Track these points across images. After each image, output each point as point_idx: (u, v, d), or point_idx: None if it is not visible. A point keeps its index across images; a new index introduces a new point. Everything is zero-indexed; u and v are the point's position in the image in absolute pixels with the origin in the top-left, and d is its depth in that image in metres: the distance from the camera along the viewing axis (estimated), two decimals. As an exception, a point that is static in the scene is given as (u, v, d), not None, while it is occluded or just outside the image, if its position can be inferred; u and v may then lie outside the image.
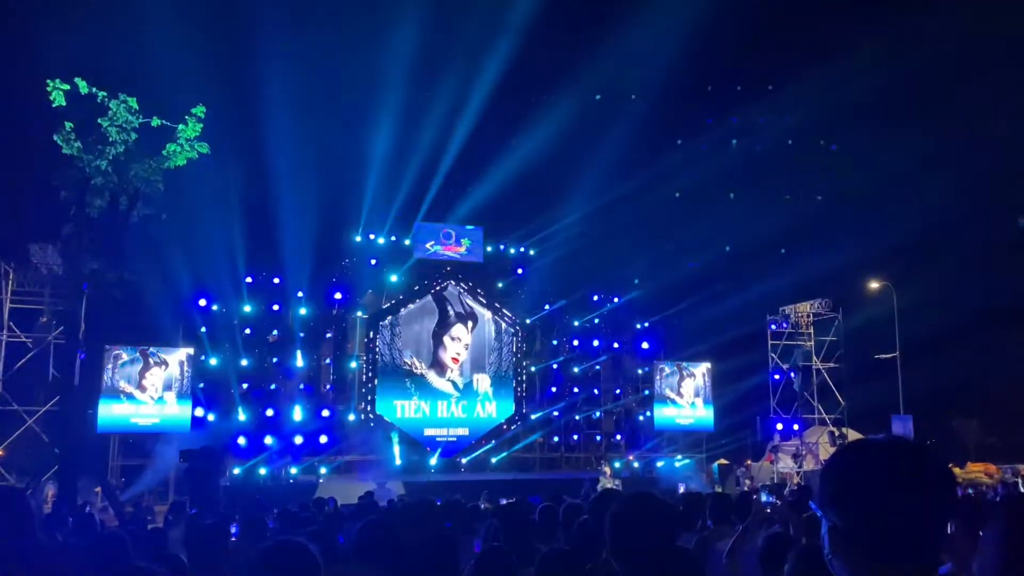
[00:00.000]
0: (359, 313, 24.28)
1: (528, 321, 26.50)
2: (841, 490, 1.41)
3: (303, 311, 23.04)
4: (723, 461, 25.52)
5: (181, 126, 10.97)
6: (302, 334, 23.10)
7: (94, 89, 10.71)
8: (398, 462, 22.63)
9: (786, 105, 32.10)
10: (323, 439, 21.86)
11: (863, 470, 1.40)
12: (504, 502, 10.26)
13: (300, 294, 23.02)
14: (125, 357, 19.82)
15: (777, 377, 26.40)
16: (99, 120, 11.00)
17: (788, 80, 30.60)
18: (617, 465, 23.23)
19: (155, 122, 11.03)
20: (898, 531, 1.35)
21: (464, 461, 24.06)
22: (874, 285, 27.31)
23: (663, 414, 26.24)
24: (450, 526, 5.62)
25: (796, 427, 25.52)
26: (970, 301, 31.58)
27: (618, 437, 26.93)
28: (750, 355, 28.12)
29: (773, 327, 26.52)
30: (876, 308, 27.17)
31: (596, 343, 27.10)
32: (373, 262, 24.47)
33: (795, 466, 24.43)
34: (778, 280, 28.78)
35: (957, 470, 26.22)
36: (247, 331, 22.40)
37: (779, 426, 25.51)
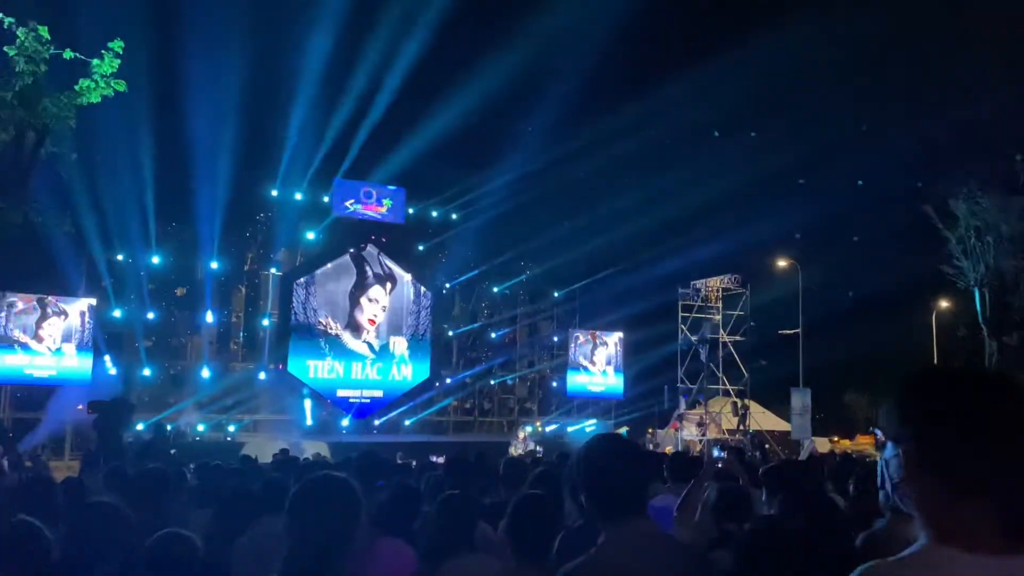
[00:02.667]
0: (273, 270, 23.85)
1: (448, 285, 26.59)
2: (919, 410, 1.44)
3: (214, 265, 22.46)
4: (624, 428, 26.34)
5: (96, 61, 10.43)
6: (212, 288, 22.52)
7: (0, 15, 10.07)
8: (309, 422, 22.49)
9: (704, 86, 32.88)
10: (232, 396, 21.44)
11: (944, 394, 1.43)
12: (434, 459, 10.47)
13: (212, 247, 22.37)
14: (21, 305, 18.88)
15: (686, 348, 27.31)
16: (5, 48, 10.36)
17: (704, 62, 31.35)
18: (529, 430, 23.66)
19: (67, 54, 10.46)
20: (974, 451, 1.36)
21: (377, 423, 24.08)
22: (781, 263, 28.52)
23: (576, 381, 26.83)
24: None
25: (701, 397, 26.53)
26: (869, 282, 33.48)
27: (531, 403, 27.42)
28: (661, 326, 29.02)
29: (684, 300, 27.37)
30: (782, 285, 28.45)
31: (514, 310, 27.40)
32: (289, 218, 23.96)
33: (699, 434, 25.44)
34: (691, 255, 29.69)
35: (846, 442, 27.97)
36: (154, 284, 21.67)
37: (685, 396, 26.47)
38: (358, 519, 2.49)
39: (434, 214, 26.66)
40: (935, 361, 28.27)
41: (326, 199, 24.34)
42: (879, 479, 2.53)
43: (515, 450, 18.99)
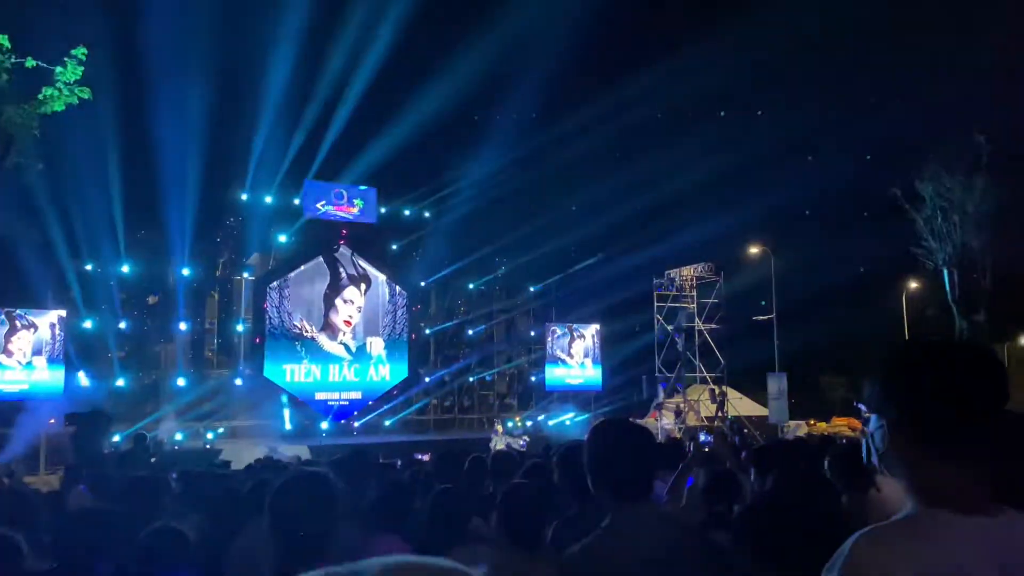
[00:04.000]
0: (245, 275, 23.67)
1: (423, 284, 26.56)
2: (901, 383, 1.50)
3: (186, 272, 22.25)
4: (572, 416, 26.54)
5: (59, 68, 10.30)
6: (185, 296, 22.32)
7: (-41, 25, 9.91)
8: (288, 426, 22.38)
9: (674, 73, 33.15)
10: (208, 404, 21.29)
11: (926, 365, 1.48)
12: (419, 457, 10.51)
13: (183, 254, 22.17)
14: (-12, 320, 18.56)
15: (662, 338, 27.57)
16: (-35, 59, 10.20)
17: (671, 51, 31.60)
18: (509, 425, 23.77)
19: (29, 63, 10.31)
20: (957, 418, 1.43)
21: (357, 424, 24.04)
22: (754, 250, 28.87)
23: (554, 375, 26.96)
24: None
25: (679, 386, 26.81)
26: (841, 267, 33.97)
27: (510, 398, 27.52)
28: (637, 317, 29.30)
29: (659, 290, 27.61)
30: (755, 272, 28.80)
31: (490, 306, 27.46)
32: (260, 221, 23.80)
33: (677, 422, 25.69)
34: (665, 245, 29.95)
35: (822, 424, 28.39)
36: (125, 293, 21.42)
37: (663, 384, 26.73)
38: (336, 512, 2.52)
39: (407, 213, 26.62)
40: (907, 341, 28.78)
41: (297, 201, 24.20)
42: (863, 453, 2.63)
43: (495, 446, 19.05)
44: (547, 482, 4.16)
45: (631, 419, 2.70)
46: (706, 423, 25.19)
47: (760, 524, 2.04)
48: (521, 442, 20.03)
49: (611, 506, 2.37)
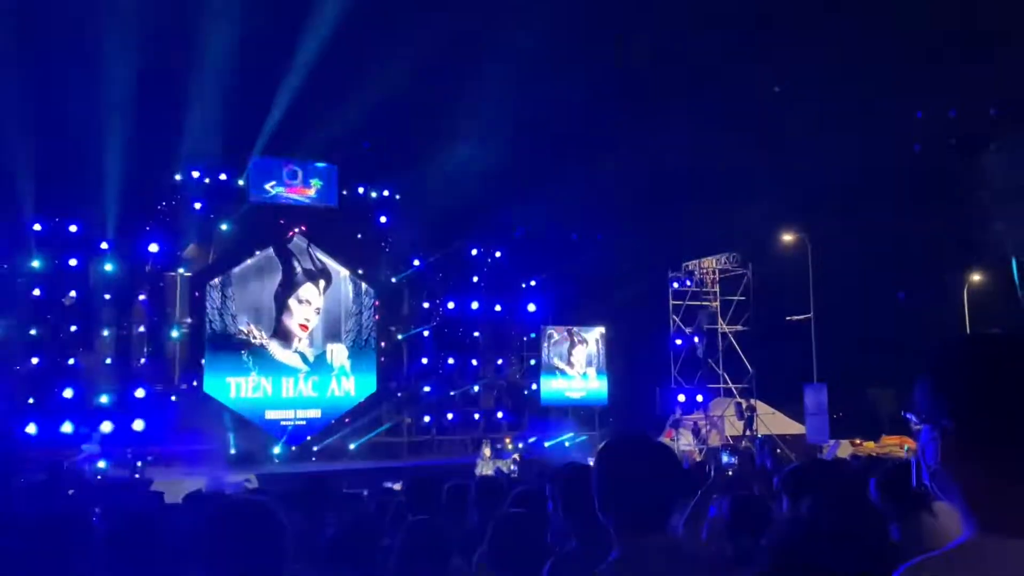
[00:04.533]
0: (181, 270, 23.61)
1: (393, 280, 26.55)
2: (957, 385, 1.48)
3: (108, 267, 22.18)
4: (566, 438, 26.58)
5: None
6: (108, 295, 22.29)
7: None
8: (232, 451, 22.33)
9: (692, 28, 33.19)
10: (138, 425, 21.21)
11: (987, 364, 1.46)
12: (389, 486, 10.49)
13: (104, 246, 22.07)
14: None
15: (679, 342, 27.62)
16: None
17: (698, 9, 31.61)
18: (499, 446, 23.76)
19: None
20: (1021, 429, 1.40)
21: (316, 449, 24.03)
22: (788, 238, 28.92)
23: (551, 387, 26.99)
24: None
25: (700, 398, 26.88)
26: (892, 257, 34.08)
27: (500, 415, 27.53)
28: (649, 318, 29.30)
29: (675, 285, 27.66)
30: (790, 264, 28.84)
31: (474, 305, 27.48)
32: (198, 206, 23.73)
33: (697, 442, 25.78)
34: (682, 232, 30.01)
35: (869, 444, 28.51)
36: (36, 291, 21.32)
37: (681, 397, 26.79)
38: (283, 550, 2.51)
39: (373, 195, 26.58)
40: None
41: (241, 182, 24.13)
42: (913, 473, 2.64)
43: (481, 471, 19.05)
44: (541, 512, 4.17)
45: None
46: (731, 443, 25.27)
47: (794, 558, 2.06)
48: (513, 466, 20.04)
49: (620, 538, 2.38)
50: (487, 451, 19.89)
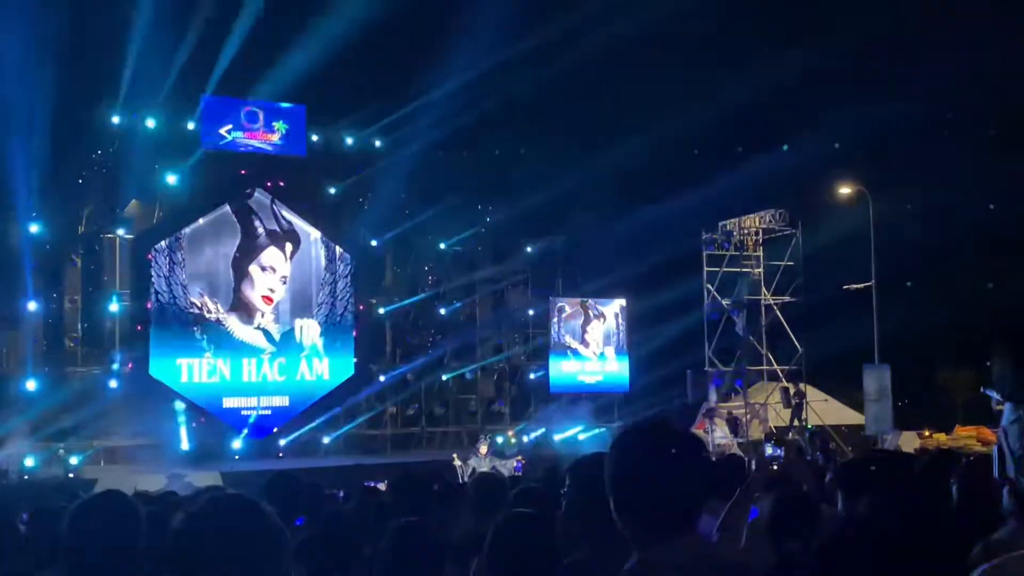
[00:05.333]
0: (120, 231, 23.58)
1: (374, 243, 26.51)
2: None
3: (34, 228, 22.14)
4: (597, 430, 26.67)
5: None
6: (34, 262, 22.24)
7: None
8: (185, 446, 22.43)
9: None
10: (71, 415, 21.31)
11: None
12: (372, 485, 10.53)
13: (29, 204, 22.01)
14: None
15: (715, 317, 27.62)
16: None
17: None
18: (500, 440, 23.88)
19: None
20: None
21: (283, 443, 24.13)
22: (844, 191, 28.80)
23: (562, 370, 27.03)
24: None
25: (739, 383, 26.92)
26: (968, 213, 33.92)
27: (500, 404, 27.61)
28: (679, 287, 29.30)
29: (711, 249, 27.61)
30: (847, 223, 28.74)
31: (471, 273, 27.45)
32: (141, 155, 23.61)
33: (736, 435, 25.85)
34: (718, 185, 29.85)
35: (940, 436, 28.61)
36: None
37: (716, 382, 26.86)
38: (282, 560, 2.49)
39: (349, 141, 26.46)
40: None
41: (192, 126, 24.03)
42: (995, 464, 2.64)
43: (476, 469, 19.10)
44: (549, 513, 4.19)
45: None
46: (776, 435, 25.35)
47: (848, 566, 2.06)
48: (515, 464, 20.14)
49: (638, 543, 2.39)
50: (484, 447, 19.87)
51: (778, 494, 4.12)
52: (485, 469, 18.41)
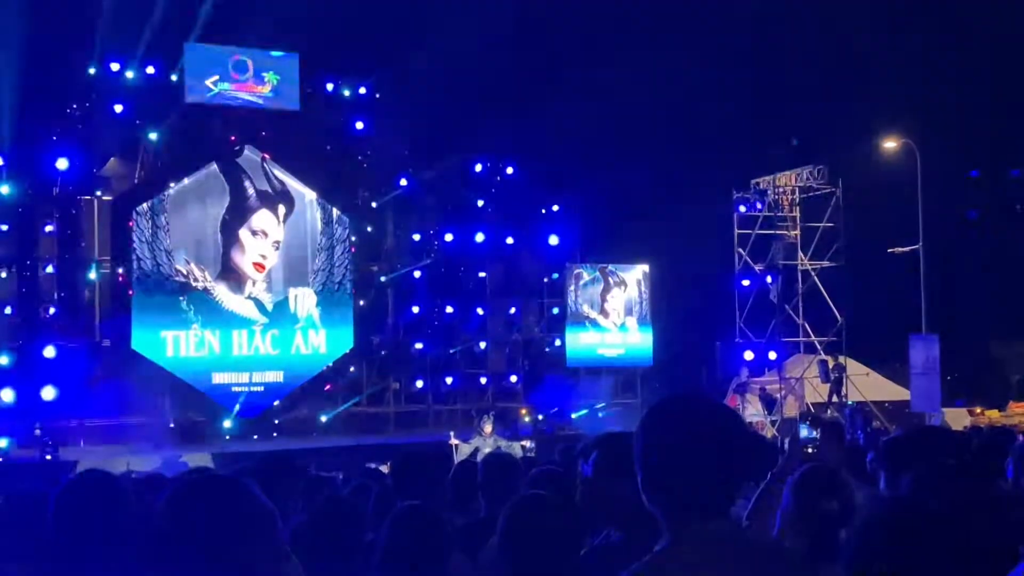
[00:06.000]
0: (99, 193, 23.60)
1: (374, 205, 26.48)
2: None
3: (5, 190, 22.18)
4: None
5: None
6: (4, 226, 22.32)
7: None
8: (172, 425, 22.59)
9: None
10: (47, 393, 21.43)
11: None
12: (373, 467, 10.60)
13: (-1, 162, 22.10)
14: None
15: (747, 283, 27.58)
16: None
17: None
18: (514, 421, 23.93)
19: None
20: None
21: (278, 421, 24.26)
22: (889, 144, 28.62)
23: (580, 342, 27.04)
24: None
25: (773, 356, 26.91)
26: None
27: (513, 379, 27.65)
28: (708, 252, 29.25)
29: (742, 209, 27.52)
30: (892, 179, 28.58)
31: (479, 237, 27.43)
32: (119, 109, 23.62)
33: (767, 413, 25.86)
34: (750, 139, 29.72)
35: (993, 413, 28.59)
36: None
37: (748, 355, 26.83)
38: (271, 544, 2.51)
39: (346, 93, 26.38)
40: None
41: (175, 77, 23.96)
42: None
43: (480, 451, 19.10)
44: (567, 496, 4.19)
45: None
46: (813, 413, 25.35)
47: (887, 546, 2.04)
48: (530, 444, 20.18)
49: (670, 524, 2.39)
50: (488, 427, 19.72)
51: (808, 467, 4.13)
52: (488, 451, 18.43)
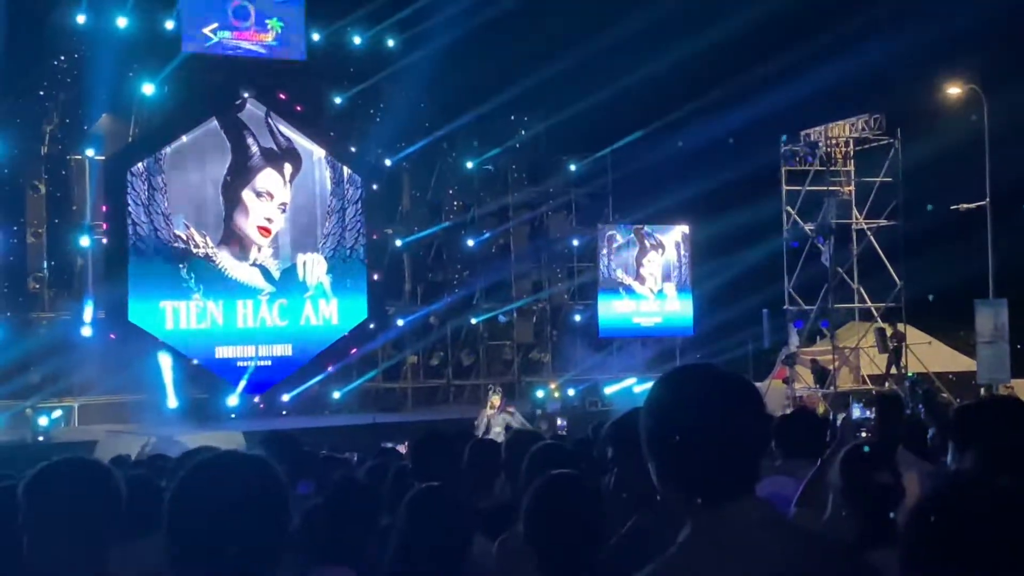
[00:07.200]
0: (91, 152, 23.69)
1: (388, 162, 26.46)
2: None
3: (-10, 149, 22.37)
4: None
5: None
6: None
7: None
8: (173, 403, 22.73)
9: None
10: (38, 369, 21.65)
11: None
12: (390, 447, 10.67)
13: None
14: None
15: (795, 245, 27.46)
16: None
17: None
18: (540, 395, 24.02)
19: None
20: None
21: (287, 398, 24.38)
22: (953, 91, 28.39)
23: (613, 311, 27.04)
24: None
25: (824, 325, 26.84)
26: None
27: (540, 351, 27.69)
28: (753, 211, 29.13)
29: (791, 163, 27.37)
30: (955, 129, 28.36)
31: (504, 197, 27.41)
32: (111, 61, 23.64)
33: (818, 388, 25.82)
34: (799, 86, 29.52)
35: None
36: None
37: (798, 324, 26.78)
38: (286, 524, 2.57)
39: (357, 41, 26.34)
40: None
41: (170, 25, 23.98)
42: None
43: (492, 429, 19.15)
44: (597, 477, 4.23)
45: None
46: (870, 387, 25.29)
47: (948, 525, 2.05)
48: (560, 422, 20.23)
49: (690, 510, 2.38)
50: (496, 399, 19.57)
51: (849, 447, 4.16)
52: (498, 428, 18.42)
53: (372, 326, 25.62)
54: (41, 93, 23.20)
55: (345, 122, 26.01)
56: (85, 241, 23.46)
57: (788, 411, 18.63)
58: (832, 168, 27.13)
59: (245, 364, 24.15)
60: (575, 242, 28.39)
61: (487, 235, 27.88)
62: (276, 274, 24.67)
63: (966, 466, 3.70)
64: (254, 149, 24.43)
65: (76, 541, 2.85)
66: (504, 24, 27.64)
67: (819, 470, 4.67)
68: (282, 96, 24.76)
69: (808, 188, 27.24)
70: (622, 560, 3.23)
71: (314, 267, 25.05)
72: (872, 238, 27.15)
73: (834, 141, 27.21)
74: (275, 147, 24.61)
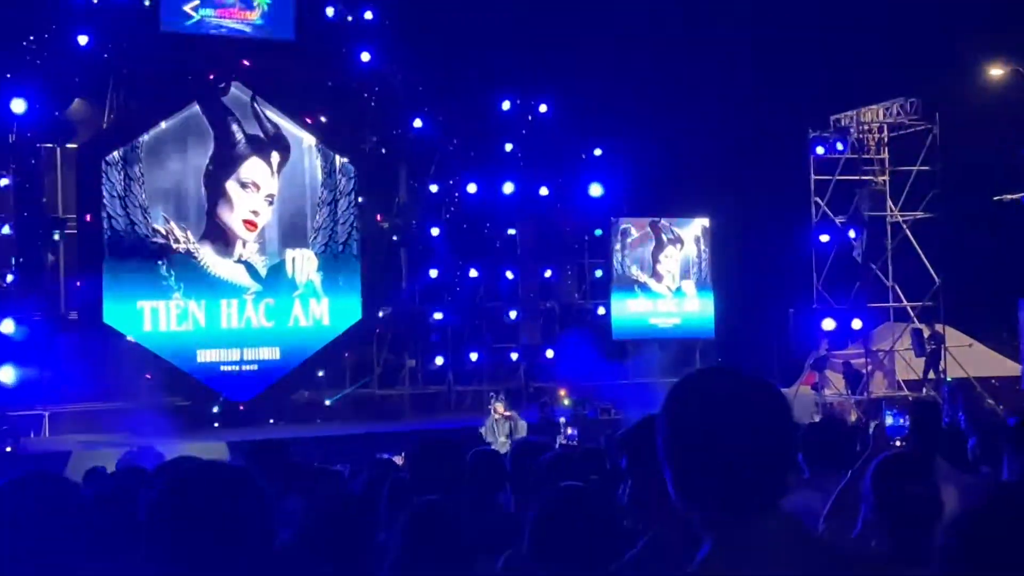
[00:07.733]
0: (62, 140, 23.71)
1: (383, 150, 26.45)
2: None
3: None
4: None
5: None
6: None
7: None
8: (151, 411, 22.75)
9: None
10: (6, 375, 21.66)
11: None
12: (386, 458, 10.70)
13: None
14: None
15: (826, 239, 27.45)
16: None
17: None
18: (548, 401, 24.01)
19: None
20: None
21: (274, 406, 24.38)
22: (995, 72, 28.38)
23: (628, 310, 27.07)
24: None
25: (858, 324, 26.82)
26: None
27: (549, 353, 27.70)
28: (779, 202, 29.13)
29: (820, 151, 27.35)
30: (998, 115, 28.34)
31: (508, 188, 27.44)
32: (84, 41, 23.69)
33: (850, 394, 25.83)
34: (830, 69, 29.53)
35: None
36: None
37: (829, 324, 26.76)
38: (270, 541, 2.59)
39: (349, 19, 26.35)
40: None
41: (148, 2, 23.99)
42: None
43: (490, 436, 19.20)
44: (610, 489, 4.24)
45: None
46: (906, 393, 25.28)
47: (995, 539, 2.05)
48: (570, 431, 20.20)
49: (709, 526, 2.38)
50: (499, 406, 19.63)
51: (883, 456, 4.17)
52: (502, 438, 18.45)
53: (367, 327, 25.66)
54: (8, 76, 23.19)
55: (337, 107, 25.98)
56: (56, 236, 23.48)
57: (817, 419, 18.69)
58: (865, 156, 27.13)
59: (229, 369, 24.18)
60: (587, 237, 28.38)
61: (492, 227, 27.87)
62: (263, 271, 24.69)
63: (1011, 478, 3.72)
64: (239, 136, 24.46)
65: (41, 562, 2.88)
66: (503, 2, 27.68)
67: (849, 482, 4.68)
68: (268, 79, 24.73)
69: (838, 178, 27.22)
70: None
71: (304, 264, 25.07)
72: (908, 232, 27.11)
73: (867, 127, 27.21)
74: (262, 134, 24.64)
